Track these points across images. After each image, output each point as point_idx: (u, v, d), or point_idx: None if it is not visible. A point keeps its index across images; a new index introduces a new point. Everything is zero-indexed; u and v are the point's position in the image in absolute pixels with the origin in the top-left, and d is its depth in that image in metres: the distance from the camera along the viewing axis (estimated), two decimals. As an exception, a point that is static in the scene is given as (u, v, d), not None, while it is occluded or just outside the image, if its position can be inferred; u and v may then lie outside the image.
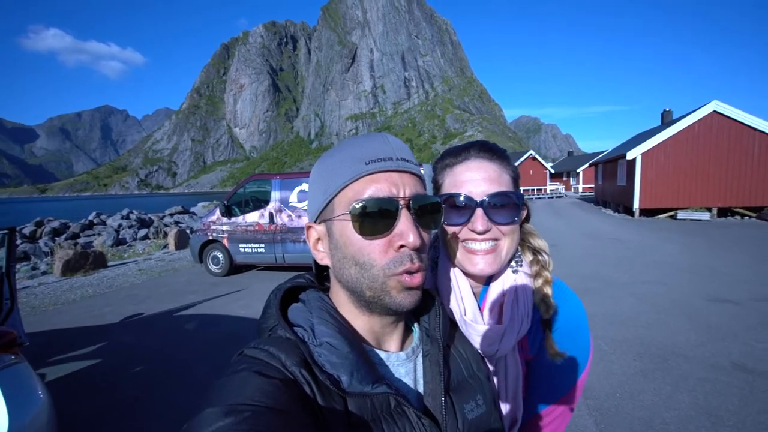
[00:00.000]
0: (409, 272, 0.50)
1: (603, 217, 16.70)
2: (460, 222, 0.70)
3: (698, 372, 3.36)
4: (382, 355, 0.56)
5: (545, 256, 0.77)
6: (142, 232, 15.20)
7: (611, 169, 20.17)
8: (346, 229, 0.51)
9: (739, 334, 4.13)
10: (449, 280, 0.74)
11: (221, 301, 6.07)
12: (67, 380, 3.64)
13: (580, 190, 41.07)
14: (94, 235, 14.98)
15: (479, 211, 0.68)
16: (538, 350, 0.75)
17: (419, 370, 0.58)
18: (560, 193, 37.03)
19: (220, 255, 7.85)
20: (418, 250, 0.51)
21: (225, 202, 7.84)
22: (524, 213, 0.77)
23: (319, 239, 0.57)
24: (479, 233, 0.68)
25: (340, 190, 0.52)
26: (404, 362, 0.57)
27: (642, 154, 15.82)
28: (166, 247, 12.24)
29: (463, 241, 0.71)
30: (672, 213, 15.76)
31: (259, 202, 7.86)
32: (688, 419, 2.71)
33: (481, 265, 0.69)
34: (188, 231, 13.21)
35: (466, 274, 0.73)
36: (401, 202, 0.51)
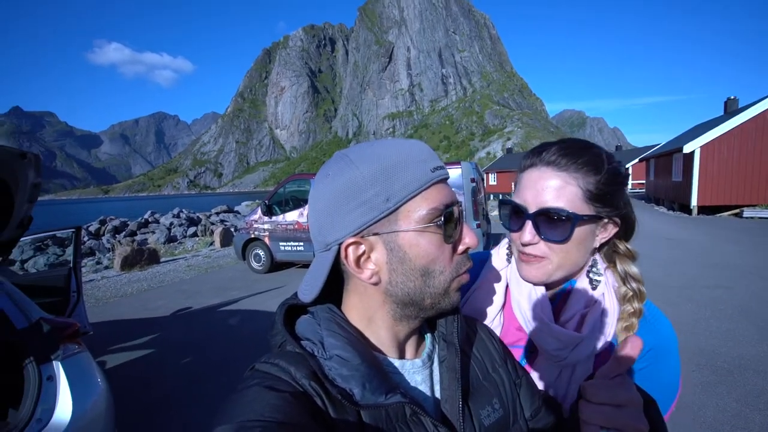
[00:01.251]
0: (468, 271, 0.53)
1: (656, 215, 15.58)
2: (515, 229, 0.72)
3: (770, 388, 3.03)
4: (397, 363, 0.54)
5: (637, 285, 0.71)
6: (191, 230, 16.15)
7: (665, 163, 18.75)
8: (421, 239, 0.49)
9: (821, 347, 3.68)
10: (518, 277, 0.76)
11: (261, 298, 6.30)
12: (124, 369, 3.93)
13: (630, 186, 38.58)
14: (148, 232, 16.12)
15: (528, 223, 0.68)
16: None
17: (436, 377, 0.56)
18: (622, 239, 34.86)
19: (261, 252, 8.14)
20: None
21: (266, 201, 8.12)
22: (609, 230, 0.71)
23: (364, 255, 0.50)
24: (524, 244, 0.69)
25: (410, 199, 0.48)
26: (420, 369, 0.55)
27: (701, 146, 14.57)
28: (212, 244, 12.90)
29: (519, 247, 0.72)
30: (737, 211, 14.38)
31: (299, 201, 8.07)
32: (759, 440, 2.45)
33: (527, 272, 0.71)
34: (232, 229, 13.84)
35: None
36: (456, 208, 0.53)
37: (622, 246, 0.74)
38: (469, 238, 0.52)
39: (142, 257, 9.49)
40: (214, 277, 8.17)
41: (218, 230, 12.97)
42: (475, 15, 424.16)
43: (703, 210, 15.00)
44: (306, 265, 8.52)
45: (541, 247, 0.68)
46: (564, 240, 0.66)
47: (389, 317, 0.53)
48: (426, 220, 0.48)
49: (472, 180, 6.77)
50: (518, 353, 0.77)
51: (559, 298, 0.75)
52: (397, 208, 0.48)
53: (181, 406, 3.16)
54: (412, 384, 0.54)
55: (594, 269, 0.73)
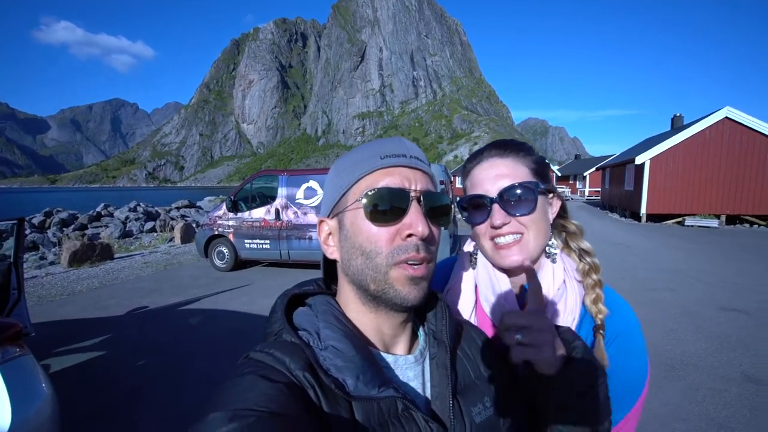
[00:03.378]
0: (413, 263, 0.51)
1: (609, 222, 16.54)
2: (482, 220, 0.73)
3: (708, 382, 3.29)
4: (390, 358, 0.55)
5: (591, 258, 0.77)
6: (149, 224, 15.31)
7: (619, 173, 19.96)
8: (357, 218, 0.53)
9: (750, 345, 4.05)
10: (487, 271, 0.78)
11: (225, 297, 6.08)
12: (71, 372, 3.66)
13: (587, 193, 40.76)
14: (101, 226, 15.11)
15: (495, 207, 0.71)
16: None
17: (427, 374, 0.57)
18: (566, 196, 36.78)
19: (225, 250, 7.87)
20: (426, 242, 0.52)
21: (232, 197, 7.86)
22: (555, 204, 0.78)
23: (330, 234, 0.58)
24: (498, 227, 0.71)
25: (355, 183, 0.54)
26: (412, 365, 0.56)
27: (651, 159, 15.64)
28: (171, 240, 12.31)
29: (491, 238, 0.73)
30: (680, 219, 15.57)
31: (266, 198, 7.88)
32: (698, 431, 2.66)
33: (509, 257, 0.71)
34: (194, 225, 13.28)
35: (502, 269, 0.75)
36: (412, 194, 0.53)
37: (570, 225, 0.80)
38: (414, 226, 0.51)
39: (93, 253, 8.88)
40: (174, 274, 7.80)
41: (179, 226, 12.40)
42: (447, 20, 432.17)
43: (651, 218, 16.10)
44: (272, 264, 8.34)
45: (515, 224, 0.71)
46: (532, 210, 0.70)
47: (358, 302, 0.55)
48: (356, 198, 0.53)
49: (441, 182, 6.88)
50: None
51: (527, 288, 0.77)
52: (346, 192, 0.54)
53: (135, 410, 2.98)
54: (404, 380, 0.55)
55: (550, 244, 0.77)
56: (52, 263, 8.98)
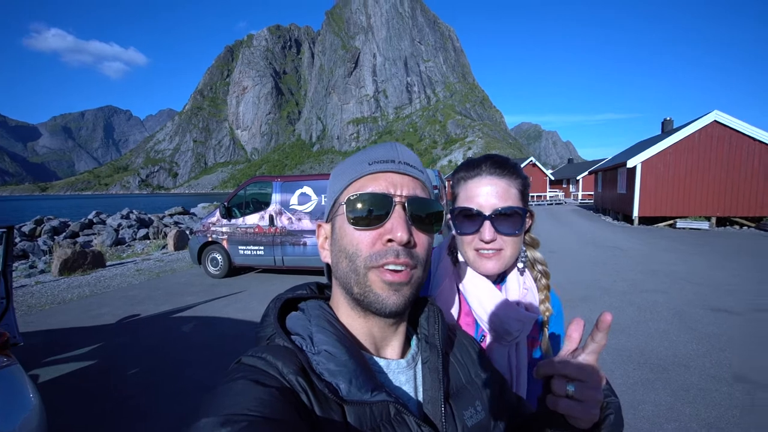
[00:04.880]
0: (393, 268, 0.50)
1: (602, 225, 16.67)
2: (471, 231, 0.80)
3: (699, 383, 3.33)
4: (382, 362, 0.55)
5: (543, 267, 0.90)
6: (142, 232, 15.17)
7: (611, 176, 20.17)
8: (344, 222, 0.54)
9: (739, 345, 4.09)
10: (475, 276, 0.84)
11: (219, 303, 6.03)
12: (61, 382, 3.61)
13: (580, 197, 41.07)
14: (93, 234, 14.95)
15: (487, 223, 0.78)
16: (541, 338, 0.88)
17: (419, 378, 0.57)
18: (560, 200, 37.01)
19: (219, 257, 7.83)
20: (408, 248, 0.52)
21: (225, 203, 7.83)
22: (528, 222, 0.86)
23: (326, 237, 0.60)
24: (486, 242, 0.78)
25: (345, 188, 0.55)
26: (404, 370, 0.56)
27: (642, 162, 15.83)
28: (165, 247, 12.21)
29: (475, 248, 0.81)
30: (671, 221, 15.74)
31: (260, 204, 7.85)
32: (689, 431, 2.68)
33: (488, 266, 0.80)
34: (188, 232, 13.18)
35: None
36: (396, 200, 0.53)
37: (528, 237, 0.90)
38: (394, 232, 0.51)
39: (84, 261, 8.78)
40: (167, 282, 7.73)
41: (172, 233, 12.30)
42: (440, 27, 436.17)
43: (643, 220, 16.26)
44: (266, 270, 8.29)
45: (498, 242, 0.79)
46: (518, 232, 0.80)
47: (348, 307, 0.55)
48: (343, 203, 0.54)
49: (435, 187, 6.91)
50: None
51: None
52: (338, 197, 0.56)
53: (129, 420, 2.95)
54: (396, 384, 0.55)
55: (521, 255, 0.88)
56: (42, 272, 8.86)
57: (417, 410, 0.54)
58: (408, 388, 0.55)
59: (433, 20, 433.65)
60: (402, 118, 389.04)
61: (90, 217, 16.79)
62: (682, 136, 15.41)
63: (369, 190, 0.53)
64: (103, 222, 16.52)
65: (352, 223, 0.52)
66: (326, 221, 0.60)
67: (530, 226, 0.89)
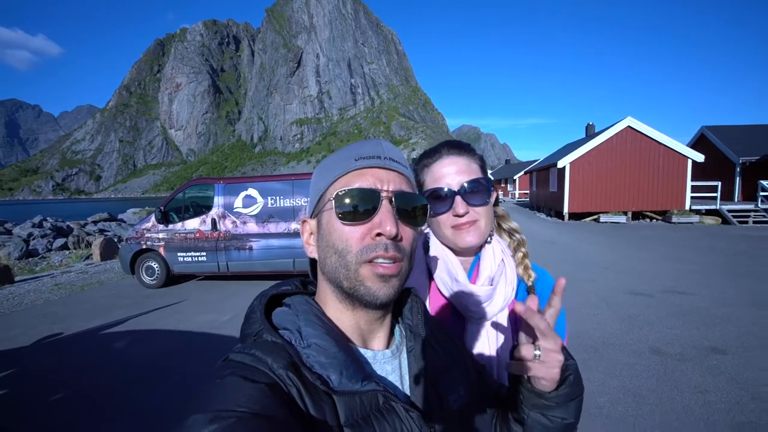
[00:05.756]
0: (383, 261, 0.52)
1: (537, 221, 17.98)
2: (444, 210, 0.84)
3: (624, 358, 3.73)
4: (369, 354, 0.56)
5: (519, 235, 0.95)
6: (59, 242, 13.53)
7: (544, 176, 21.83)
8: (331, 217, 0.55)
9: (654, 323, 4.66)
10: (440, 255, 0.87)
11: (156, 315, 5.59)
12: (-35, 415, 3.12)
13: (517, 195, 43.91)
14: (-4, 246, 13.03)
15: (458, 198, 0.83)
16: None
17: (404, 366, 0.59)
18: (499, 199, 39.22)
19: (155, 265, 7.24)
20: (396, 241, 0.53)
21: (162, 207, 7.27)
22: (494, 195, 0.91)
23: (311, 233, 0.60)
24: (461, 215, 0.82)
25: (331, 184, 0.56)
26: (390, 359, 0.58)
27: (570, 163, 17.34)
28: (89, 257, 11.02)
29: (452, 225, 0.84)
30: (596, 216, 17.43)
31: (201, 207, 7.39)
32: (617, 401, 3.00)
33: (468, 238, 0.83)
34: (116, 240, 12.02)
35: (456, 252, 0.87)
36: (383, 195, 0.54)
37: (498, 209, 0.96)
38: (383, 226, 0.52)
39: (-13, 277, 7.65)
40: (93, 295, 6.99)
41: (98, 241, 11.13)
42: (383, 30, 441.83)
43: (572, 216, 17.82)
44: (209, 277, 7.83)
45: (472, 214, 0.84)
46: (487, 201, 0.85)
47: (336, 300, 0.56)
48: (330, 198, 0.55)
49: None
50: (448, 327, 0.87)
51: (473, 268, 0.90)
52: (323, 193, 0.57)
53: (51, 451, 2.62)
54: (383, 374, 0.56)
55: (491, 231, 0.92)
56: (-69, 292, 7.56)
57: (404, 397, 0.56)
58: (394, 377, 0.57)
59: (376, 23, 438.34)
60: (346, 119, 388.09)
61: (-8, 226, 14.64)
62: (602, 140, 17.13)
63: (356, 185, 0.54)
64: (9, 232, 14.49)
65: (341, 218, 0.53)
66: (311, 217, 0.60)
67: (496, 199, 0.93)
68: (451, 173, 0.85)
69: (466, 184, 0.83)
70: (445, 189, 0.83)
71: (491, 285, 0.84)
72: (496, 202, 0.95)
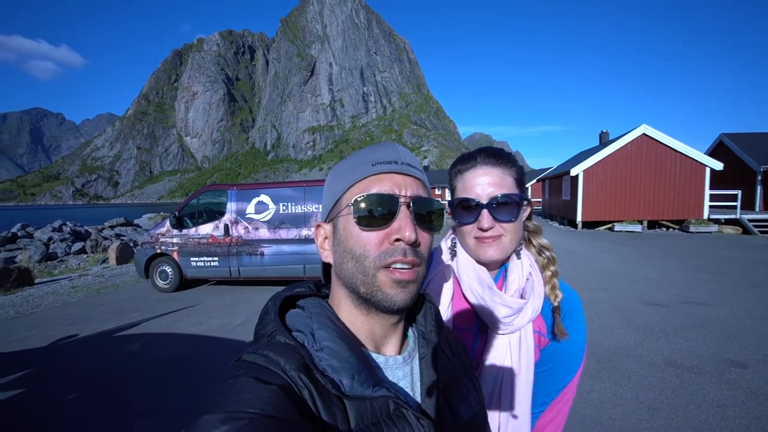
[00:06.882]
0: (401, 266, 0.51)
1: (551, 230, 17.74)
2: (470, 221, 0.83)
3: (638, 370, 3.64)
4: (381, 359, 0.56)
5: (549, 252, 0.91)
6: (78, 245, 13.89)
7: (557, 184, 21.57)
8: (349, 222, 0.54)
9: (670, 334, 4.53)
10: (468, 264, 0.86)
11: (169, 319, 5.67)
12: (-16, 413, 3.21)
13: (529, 204, 43.26)
14: (16, 249, 13.44)
15: (485, 212, 0.81)
16: (550, 336, 0.86)
17: (416, 373, 0.59)
18: (532, 214, 38.78)
19: (168, 269, 7.37)
20: (414, 247, 0.53)
21: (176, 213, 7.42)
22: (527, 210, 0.88)
23: (326, 238, 0.59)
24: (485, 230, 0.81)
25: (348, 189, 0.56)
26: (402, 365, 0.58)
27: (584, 171, 17.12)
28: (105, 261, 11.28)
29: (475, 237, 0.83)
30: (610, 225, 17.11)
31: (214, 213, 7.52)
32: (631, 413, 2.92)
33: (489, 252, 0.82)
34: (132, 244, 12.29)
35: (479, 262, 0.86)
36: (401, 200, 0.54)
37: (531, 224, 0.93)
38: (402, 231, 0.52)
39: (8, 278, 7.89)
40: (109, 298, 7.14)
41: (114, 246, 11.40)
42: (395, 39, 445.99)
43: (586, 225, 17.54)
44: (221, 282, 7.93)
45: (497, 229, 0.81)
46: (515, 219, 0.82)
47: (350, 305, 0.56)
48: (347, 204, 0.55)
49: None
50: (469, 336, 0.87)
51: (499, 278, 0.88)
52: (339, 198, 0.56)
53: (65, 449, 2.68)
54: (394, 379, 0.56)
55: (521, 245, 0.89)
56: (-44, 293, 7.83)
57: (415, 405, 0.55)
58: (405, 384, 0.56)
59: (389, 32, 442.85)
60: (358, 127, 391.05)
61: (14, 230, 15.12)
62: (617, 147, 16.88)
63: (375, 190, 0.53)
64: (30, 236, 14.93)
65: (359, 224, 0.53)
66: (326, 221, 0.59)
67: (530, 213, 0.90)
68: (482, 184, 0.82)
69: (496, 198, 0.80)
70: (474, 200, 0.81)
71: (522, 298, 0.82)
72: (529, 217, 0.91)
